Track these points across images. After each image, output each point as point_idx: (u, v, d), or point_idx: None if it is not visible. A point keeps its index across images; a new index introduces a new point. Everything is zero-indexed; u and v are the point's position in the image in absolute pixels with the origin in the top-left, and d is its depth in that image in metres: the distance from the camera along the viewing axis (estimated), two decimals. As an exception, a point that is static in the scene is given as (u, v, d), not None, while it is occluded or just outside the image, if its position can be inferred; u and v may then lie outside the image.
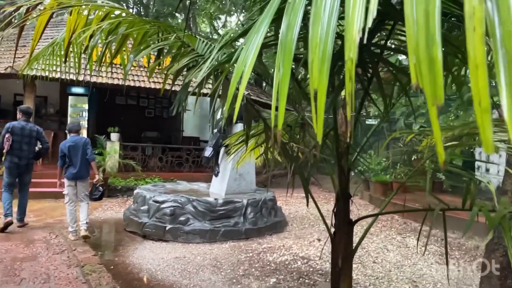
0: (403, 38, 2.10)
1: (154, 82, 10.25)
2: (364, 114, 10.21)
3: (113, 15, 2.39)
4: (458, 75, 2.24)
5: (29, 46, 2.63)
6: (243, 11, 15.31)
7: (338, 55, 1.38)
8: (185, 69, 2.47)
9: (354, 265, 2.92)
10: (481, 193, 5.92)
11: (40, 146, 5.89)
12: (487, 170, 8.39)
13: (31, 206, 6.20)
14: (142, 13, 17.60)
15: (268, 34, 1.74)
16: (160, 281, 4.03)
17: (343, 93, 2.28)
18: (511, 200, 3.03)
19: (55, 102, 12.90)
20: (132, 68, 10.05)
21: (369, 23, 0.54)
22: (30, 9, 2.35)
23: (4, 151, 5.44)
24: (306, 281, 4.17)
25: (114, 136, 10.01)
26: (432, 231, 5.71)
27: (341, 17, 0.76)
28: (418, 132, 2.70)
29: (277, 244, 5.49)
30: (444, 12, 1.52)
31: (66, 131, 5.96)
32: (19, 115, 5.73)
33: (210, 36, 17.67)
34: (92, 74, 8.67)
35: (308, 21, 0.70)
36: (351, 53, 0.57)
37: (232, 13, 18.04)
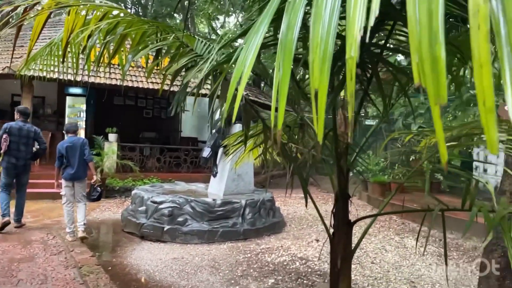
0: (402, 38, 2.10)
1: (152, 82, 10.24)
2: (363, 114, 10.22)
3: (112, 15, 2.38)
4: (457, 75, 2.24)
5: (27, 46, 2.62)
6: (242, 11, 15.31)
7: (337, 56, 1.38)
8: (184, 70, 2.46)
9: (352, 266, 2.91)
10: (479, 193, 5.92)
11: (38, 146, 5.87)
12: (485, 170, 8.41)
13: (28, 206, 6.17)
14: (140, 14, 17.58)
15: (267, 34, 1.73)
16: (158, 282, 4.02)
17: (342, 93, 2.27)
18: (509, 200, 3.04)
19: (52, 102, 12.86)
20: (130, 68, 10.03)
21: (371, 22, 0.53)
22: (27, 9, 2.34)
23: (2, 151, 5.41)
24: (305, 281, 4.17)
25: (112, 136, 9.99)
26: (430, 232, 5.72)
27: (340, 17, 0.75)
28: (417, 133, 2.70)
29: (275, 245, 5.49)
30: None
31: (63, 131, 5.93)
32: (16, 116, 5.71)
33: (209, 37, 17.66)
34: (90, 74, 8.62)
35: (307, 21, 0.70)
36: (352, 52, 0.57)
37: (230, 13, 18.05)
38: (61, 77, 7.26)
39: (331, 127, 2.05)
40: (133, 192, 6.62)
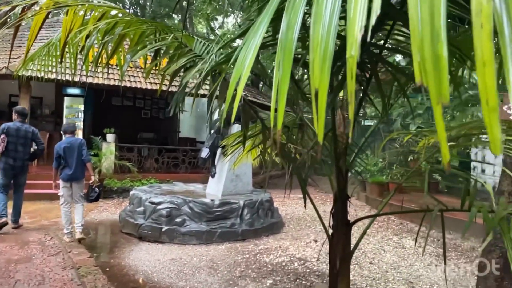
0: (400, 38, 2.10)
1: (150, 83, 10.22)
2: (361, 114, 10.23)
3: (110, 15, 2.37)
4: (455, 75, 2.25)
5: (25, 46, 2.61)
6: (241, 11, 15.32)
7: (336, 56, 1.38)
8: (182, 70, 2.45)
9: (351, 266, 2.91)
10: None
11: (36, 147, 5.86)
12: (483, 170, 8.42)
13: (26, 207, 6.15)
14: (139, 14, 17.57)
15: (266, 34, 1.73)
16: (156, 283, 4.01)
17: (341, 94, 2.27)
18: (508, 200, 3.04)
19: (50, 103, 12.83)
20: (128, 68, 10.01)
21: (373, 21, 0.53)
22: (25, 9, 2.33)
23: (-1, 152, 5.40)
24: (303, 282, 4.16)
25: (110, 137, 9.97)
26: (428, 232, 5.73)
27: (340, 17, 0.75)
28: (416, 133, 2.70)
29: (273, 245, 5.48)
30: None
31: (61, 132, 5.92)
32: (14, 116, 5.70)
33: (207, 37, 17.66)
34: (88, 74, 8.62)
35: (306, 21, 0.70)
36: (353, 51, 0.56)
37: (229, 14, 18.05)
38: (59, 78, 7.24)
39: (330, 127, 2.05)
40: (131, 192, 6.60)
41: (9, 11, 2.42)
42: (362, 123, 11.14)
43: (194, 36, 2.74)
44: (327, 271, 2.33)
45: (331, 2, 0.67)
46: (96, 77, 9.39)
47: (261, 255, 5.02)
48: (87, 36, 2.23)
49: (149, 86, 10.14)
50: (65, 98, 12.40)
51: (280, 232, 6.34)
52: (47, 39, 2.94)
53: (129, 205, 6.49)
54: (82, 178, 5.41)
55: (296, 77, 2.62)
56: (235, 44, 3.06)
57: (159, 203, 5.78)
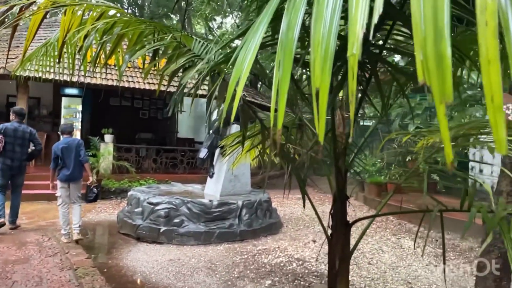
0: (400, 38, 2.10)
1: (149, 83, 10.21)
2: (360, 115, 10.22)
3: (108, 15, 2.37)
4: (454, 75, 2.25)
5: (22, 46, 2.59)
6: (240, 12, 15.31)
7: (336, 55, 1.37)
8: (181, 70, 2.45)
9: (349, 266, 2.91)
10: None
11: (33, 147, 5.84)
12: (481, 171, 8.44)
13: (23, 208, 6.13)
14: (137, 14, 17.55)
15: (265, 34, 1.72)
16: (154, 284, 4.00)
17: (340, 94, 2.27)
18: (507, 201, 3.05)
19: (48, 103, 12.78)
20: (126, 69, 10.00)
21: (375, 20, 0.52)
22: (23, 9, 2.32)
23: (-3, 152, 5.38)
24: (302, 283, 4.16)
25: (108, 137, 9.95)
26: (427, 232, 5.73)
27: (340, 17, 0.75)
28: (414, 133, 2.70)
29: (272, 246, 5.48)
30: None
31: (59, 132, 5.90)
32: (12, 117, 5.68)
33: (205, 37, 17.65)
34: (86, 75, 8.61)
35: (306, 21, 0.69)
36: (354, 49, 0.56)
37: (227, 14, 18.04)
38: (57, 78, 7.21)
39: (329, 127, 2.05)
40: (129, 193, 6.59)
41: (7, 10, 2.41)
42: (361, 123, 11.15)
43: (193, 36, 2.73)
44: (326, 271, 2.32)
45: (332, 1, 0.67)
46: (94, 77, 9.36)
47: (259, 256, 5.01)
48: (85, 36, 2.22)
49: (147, 87, 10.13)
50: (63, 98, 12.33)
51: (278, 233, 6.33)
52: (45, 39, 2.93)
53: (127, 205, 6.47)
54: (80, 178, 5.39)
55: (295, 77, 2.62)
56: (233, 45, 3.06)
57: (157, 204, 5.77)
